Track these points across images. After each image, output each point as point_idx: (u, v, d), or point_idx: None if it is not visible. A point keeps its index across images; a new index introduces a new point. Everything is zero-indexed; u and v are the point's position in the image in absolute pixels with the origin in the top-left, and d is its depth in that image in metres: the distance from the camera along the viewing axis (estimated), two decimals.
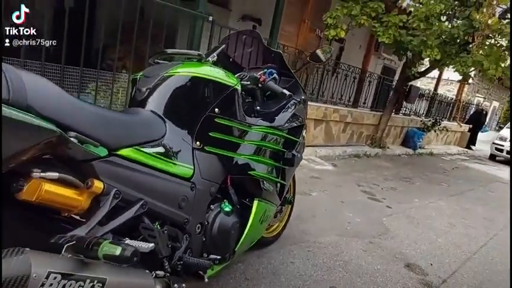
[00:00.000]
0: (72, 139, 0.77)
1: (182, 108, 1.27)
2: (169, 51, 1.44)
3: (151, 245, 0.84)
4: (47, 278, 0.63)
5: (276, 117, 1.65)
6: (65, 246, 0.71)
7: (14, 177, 0.72)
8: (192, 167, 1.23)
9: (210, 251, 1.31)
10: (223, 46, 1.79)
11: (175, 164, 1.16)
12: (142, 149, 1.03)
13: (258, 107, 1.66)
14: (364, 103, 7.19)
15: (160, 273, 0.99)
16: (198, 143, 1.28)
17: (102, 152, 0.87)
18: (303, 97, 1.93)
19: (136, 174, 0.98)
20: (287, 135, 1.71)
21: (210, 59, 1.80)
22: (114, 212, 0.87)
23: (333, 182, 4.18)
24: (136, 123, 1.09)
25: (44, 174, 0.74)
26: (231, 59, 1.92)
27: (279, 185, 1.72)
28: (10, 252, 0.64)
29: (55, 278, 0.65)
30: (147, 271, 0.90)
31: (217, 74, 1.37)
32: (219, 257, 1.30)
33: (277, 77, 1.73)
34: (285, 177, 1.73)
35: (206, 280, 1.18)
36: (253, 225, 1.48)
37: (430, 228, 3.18)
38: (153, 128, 1.15)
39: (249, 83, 1.71)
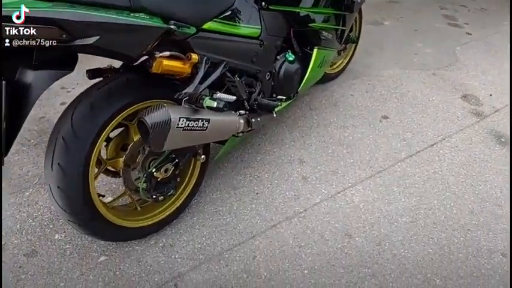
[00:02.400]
0: (172, 27, 1.07)
1: None
2: None
3: (234, 97, 1.23)
4: (179, 120, 1.09)
5: None
6: (183, 100, 1.13)
7: (146, 58, 1.11)
8: (260, 27, 1.48)
9: (278, 93, 1.69)
10: None
11: (246, 27, 1.42)
12: (219, 19, 1.30)
13: None
14: None
15: (242, 112, 1.42)
16: (263, 3, 1.48)
17: (192, 30, 1.17)
18: None
19: (218, 42, 1.29)
20: None
21: None
22: (207, 73, 1.23)
23: (411, 6, 3.93)
24: None
25: (161, 54, 1.09)
26: None
27: (339, 30, 1.89)
28: (155, 107, 1.08)
29: (183, 120, 1.10)
30: (233, 112, 1.34)
31: None
32: (285, 97, 1.69)
33: None
34: (345, 23, 1.87)
35: (275, 115, 1.61)
36: (313, 70, 1.78)
37: (507, 57, 3.07)
38: None
39: None
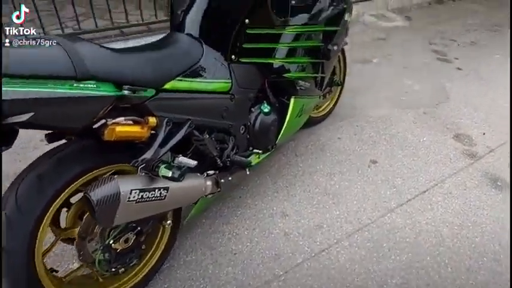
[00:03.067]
0: (126, 92, 1.01)
1: (214, 27, 1.38)
2: None
3: (195, 162, 1.15)
4: (130, 193, 1.00)
5: (312, 12, 1.64)
6: (139, 168, 1.05)
7: (98, 126, 1.04)
8: (230, 81, 1.42)
9: (254, 146, 1.61)
10: None
11: (214, 82, 1.36)
12: (183, 77, 1.24)
13: (293, 1, 1.64)
14: None
15: (211, 172, 1.34)
16: (233, 56, 1.43)
17: (150, 92, 1.11)
18: None
19: (182, 101, 1.22)
20: (324, 28, 1.71)
21: None
22: (170, 135, 1.16)
23: (400, 43, 3.93)
24: (176, 54, 1.27)
25: (114, 120, 1.03)
26: None
27: (319, 77, 1.83)
28: (105, 180, 0.99)
29: (135, 192, 1.01)
30: (199, 174, 1.25)
31: None
32: (261, 151, 1.61)
33: None
34: (324, 70, 1.82)
35: (248, 172, 1.52)
36: (291, 120, 1.71)
37: (501, 93, 3.01)
38: (191, 52, 1.32)
39: None
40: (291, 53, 1.61)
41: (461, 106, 2.80)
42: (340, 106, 2.60)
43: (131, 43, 3.13)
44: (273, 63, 1.56)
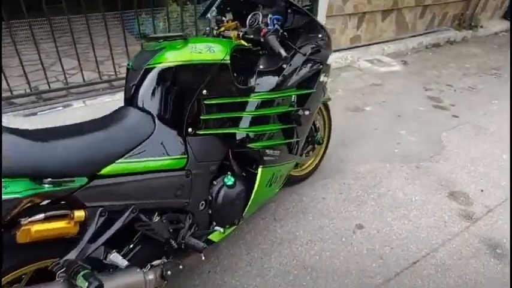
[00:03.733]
0: (46, 186, 0.91)
1: (168, 99, 1.30)
2: (151, 36, 1.40)
3: (126, 263, 1.02)
4: None
5: (283, 75, 1.56)
6: (57, 274, 0.93)
7: (11, 226, 0.93)
8: (186, 156, 1.32)
9: (217, 222, 1.48)
10: None
11: (166, 159, 1.26)
12: (127, 158, 1.14)
13: (262, 66, 1.58)
14: None
15: (156, 262, 1.20)
16: (190, 129, 1.34)
17: (81, 181, 1.01)
18: (320, 36, 1.73)
19: (122, 185, 1.12)
20: (296, 92, 1.63)
21: (209, 15, 1.69)
22: (103, 227, 1.05)
23: (394, 89, 3.86)
24: (120, 132, 1.17)
25: (31, 219, 0.92)
26: None
27: (293, 142, 1.73)
28: None
29: None
30: (138, 270, 1.11)
31: (200, 54, 1.32)
32: (225, 228, 1.47)
33: (278, 28, 1.56)
34: (298, 134, 1.72)
35: (203, 258, 1.38)
36: (259, 191, 1.58)
37: (499, 142, 2.86)
38: (140, 129, 1.23)
39: (252, 36, 1.60)
40: (257, 120, 1.51)
41: (457, 159, 2.65)
42: (327, 159, 2.47)
43: (118, 96, 3.12)
44: (236, 134, 1.46)
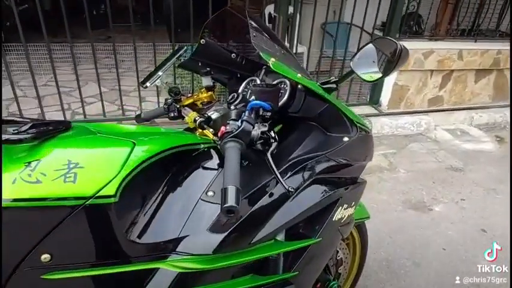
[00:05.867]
0: None
1: None
2: None
3: None
4: None
5: (245, 221, 0.80)
6: None
7: None
8: None
9: None
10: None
11: None
12: None
13: (210, 193, 0.83)
14: None
15: None
16: None
17: None
18: (347, 138, 0.97)
19: None
20: (279, 246, 0.86)
21: (158, 82, 1.04)
22: None
23: (482, 180, 2.79)
24: None
25: None
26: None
27: None
28: None
29: None
30: None
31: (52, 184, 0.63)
32: None
33: (256, 126, 0.81)
34: None
35: None
36: None
37: None
38: None
39: (212, 131, 0.91)
40: None
41: None
42: None
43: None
44: None
